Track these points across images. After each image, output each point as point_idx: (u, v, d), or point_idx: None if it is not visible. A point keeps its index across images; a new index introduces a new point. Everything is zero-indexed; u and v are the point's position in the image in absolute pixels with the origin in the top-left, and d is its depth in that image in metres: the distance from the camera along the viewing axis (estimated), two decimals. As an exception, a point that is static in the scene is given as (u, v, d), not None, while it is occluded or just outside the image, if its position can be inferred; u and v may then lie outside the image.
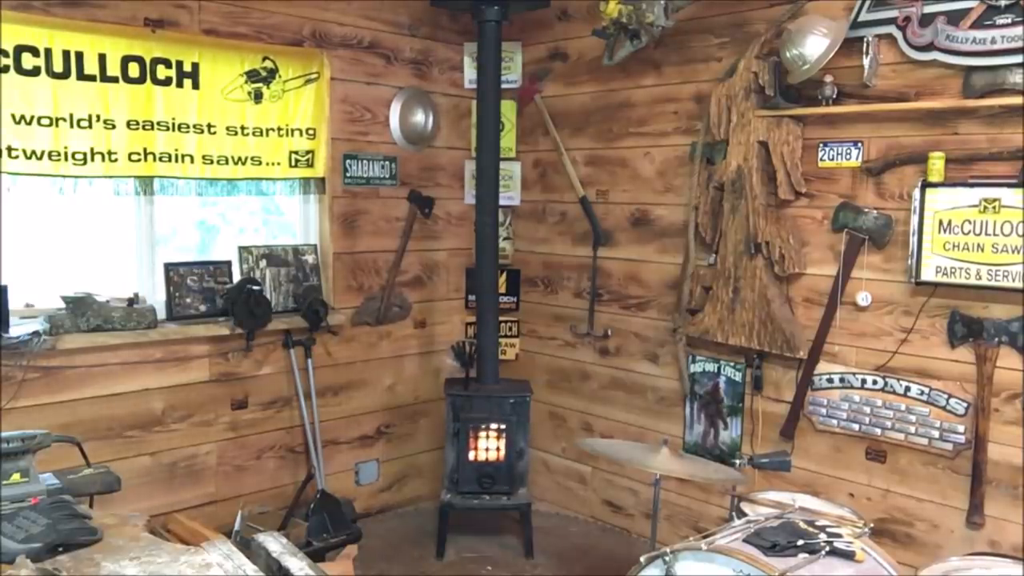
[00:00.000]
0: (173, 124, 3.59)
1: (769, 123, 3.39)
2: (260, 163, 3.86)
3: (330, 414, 4.18)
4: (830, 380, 3.39)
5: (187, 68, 3.60)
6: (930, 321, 3.13)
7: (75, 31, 3.29)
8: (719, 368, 3.77)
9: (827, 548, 2.27)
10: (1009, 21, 2.81)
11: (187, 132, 3.63)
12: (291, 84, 3.93)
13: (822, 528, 2.41)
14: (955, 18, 2.94)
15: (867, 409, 3.28)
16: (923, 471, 3.18)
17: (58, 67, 3.27)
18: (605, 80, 4.17)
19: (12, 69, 3.17)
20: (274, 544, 2.06)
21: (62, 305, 3.36)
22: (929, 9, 3.01)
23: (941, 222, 3.00)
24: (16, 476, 2.19)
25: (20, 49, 3.19)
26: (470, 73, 4.48)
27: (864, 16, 3.17)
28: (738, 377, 3.70)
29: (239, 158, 3.79)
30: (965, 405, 3.03)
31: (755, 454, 3.31)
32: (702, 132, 3.70)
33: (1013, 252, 2.85)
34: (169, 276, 3.69)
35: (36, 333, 3.19)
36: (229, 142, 3.75)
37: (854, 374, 3.32)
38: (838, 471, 3.41)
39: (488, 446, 4.01)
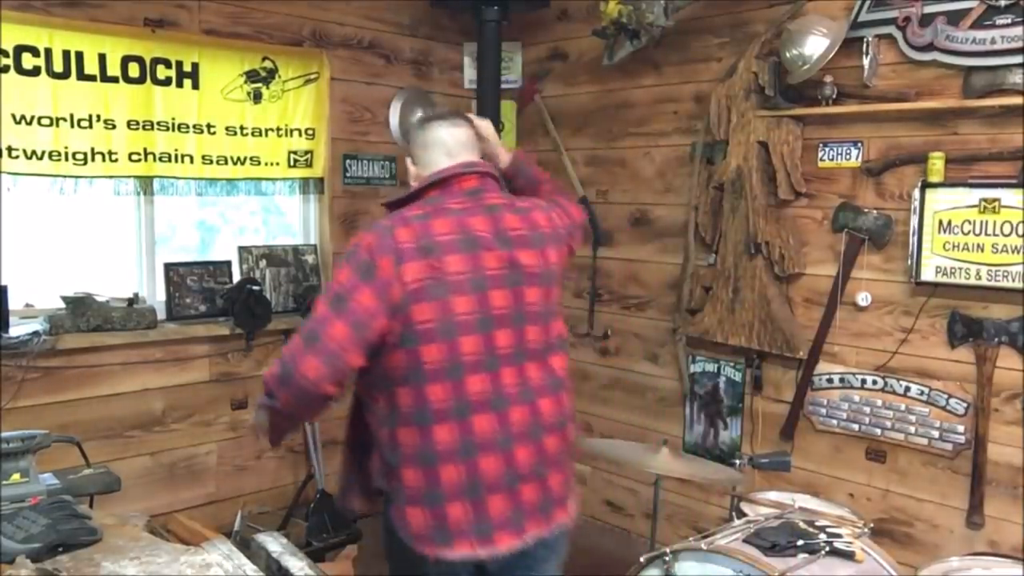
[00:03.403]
0: (173, 124, 3.59)
1: (769, 123, 3.39)
2: (259, 163, 3.86)
3: (330, 414, 4.16)
4: (830, 380, 3.38)
5: (187, 68, 3.60)
6: (930, 321, 3.13)
7: (75, 31, 3.29)
8: (719, 368, 3.77)
9: (827, 548, 2.27)
10: (1009, 21, 2.81)
11: (187, 132, 3.63)
12: (291, 84, 3.93)
13: (822, 528, 2.41)
14: (955, 18, 2.94)
15: (867, 409, 3.28)
16: (923, 471, 3.18)
17: (58, 67, 3.27)
18: (605, 80, 4.16)
19: (12, 69, 3.17)
20: (274, 544, 2.06)
21: (62, 305, 3.36)
22: (929, 9, 3.00)
23: (941, 222, 3.00)
24: (16, 476, 2.19)
25: (20, 49, 3.19)
26: (470, 73, 4.47)
27: (864, 16, 3.17)
28: (738, 377, 3.70)
29: (238, 158, 3.79)
30: (965, 405, 3.03)
31: (755, 454, 3.31)
32: (702, 132, 3.70)
33: (1013, 252, 2.85)
34: (169, 276, 3.69)
35: (36, 333, 3.19)
36: (228, 142, 3.75)
37: (854, 374, 3.32)
38: (838, 471, 3.41)
39: (488, 446, 4.00)
